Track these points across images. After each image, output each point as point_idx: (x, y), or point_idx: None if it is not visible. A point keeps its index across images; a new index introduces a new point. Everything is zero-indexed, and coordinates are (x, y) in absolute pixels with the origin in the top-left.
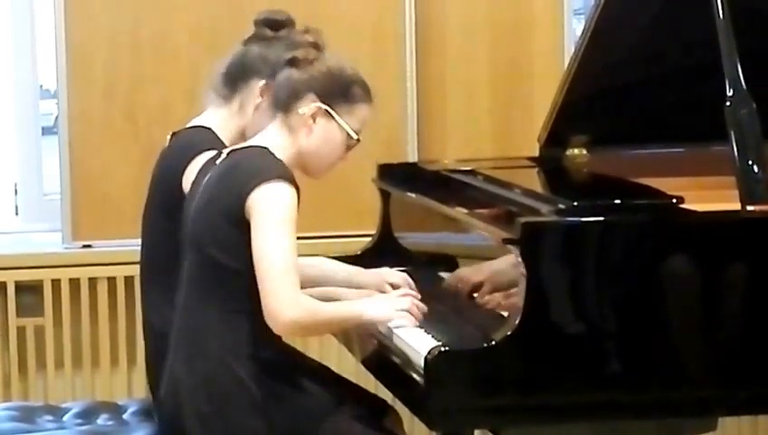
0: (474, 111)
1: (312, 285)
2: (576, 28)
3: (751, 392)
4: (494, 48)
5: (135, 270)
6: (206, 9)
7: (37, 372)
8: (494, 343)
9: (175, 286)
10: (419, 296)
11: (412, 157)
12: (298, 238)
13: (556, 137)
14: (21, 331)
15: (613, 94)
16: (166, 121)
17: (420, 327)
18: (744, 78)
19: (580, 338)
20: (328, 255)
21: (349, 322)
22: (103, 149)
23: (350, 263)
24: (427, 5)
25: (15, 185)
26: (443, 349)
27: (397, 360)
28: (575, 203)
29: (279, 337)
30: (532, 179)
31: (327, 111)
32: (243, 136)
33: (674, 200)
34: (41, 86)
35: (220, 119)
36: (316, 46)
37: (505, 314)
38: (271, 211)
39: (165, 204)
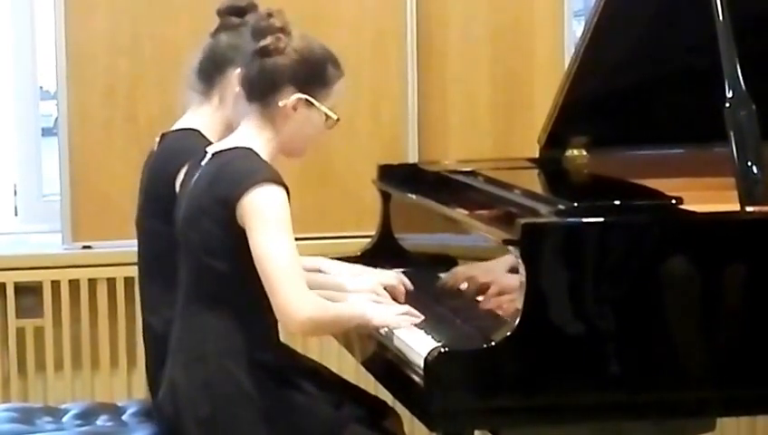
0: (474, 112)
1: (312, 285)
2: (576, 29)
3: (749, 393)
4: (495, 49)
5: (134, 271)
6: (206, 10)
7: (36, 374)
8: (493, 343)
9: (172, 287)
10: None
11: (412, 158)
12: (298, 239)
13: (556, 138)
14: (20, 332)
15: (613, 95)
16: (166, 123)
17: (420, 328)
18: (744, 79)
19: (579, 339)
20: (328, 255)
21: (353, 321)
22: (103, 151)
23: (350, 263)
24: (428, 6)
25: (15, 186)
26: (443, 350)
27: (397, 361)
28: (575, 204)
29: (278, 340)
30: (533, 180)
31: (307, 99)
32: (229, 128)
33: (673, 201)
34: (41, 87)
35: (204, 116)
36: (283, 31)
37: (505, 314)
38: (266, 214)
39: (159, 208)
